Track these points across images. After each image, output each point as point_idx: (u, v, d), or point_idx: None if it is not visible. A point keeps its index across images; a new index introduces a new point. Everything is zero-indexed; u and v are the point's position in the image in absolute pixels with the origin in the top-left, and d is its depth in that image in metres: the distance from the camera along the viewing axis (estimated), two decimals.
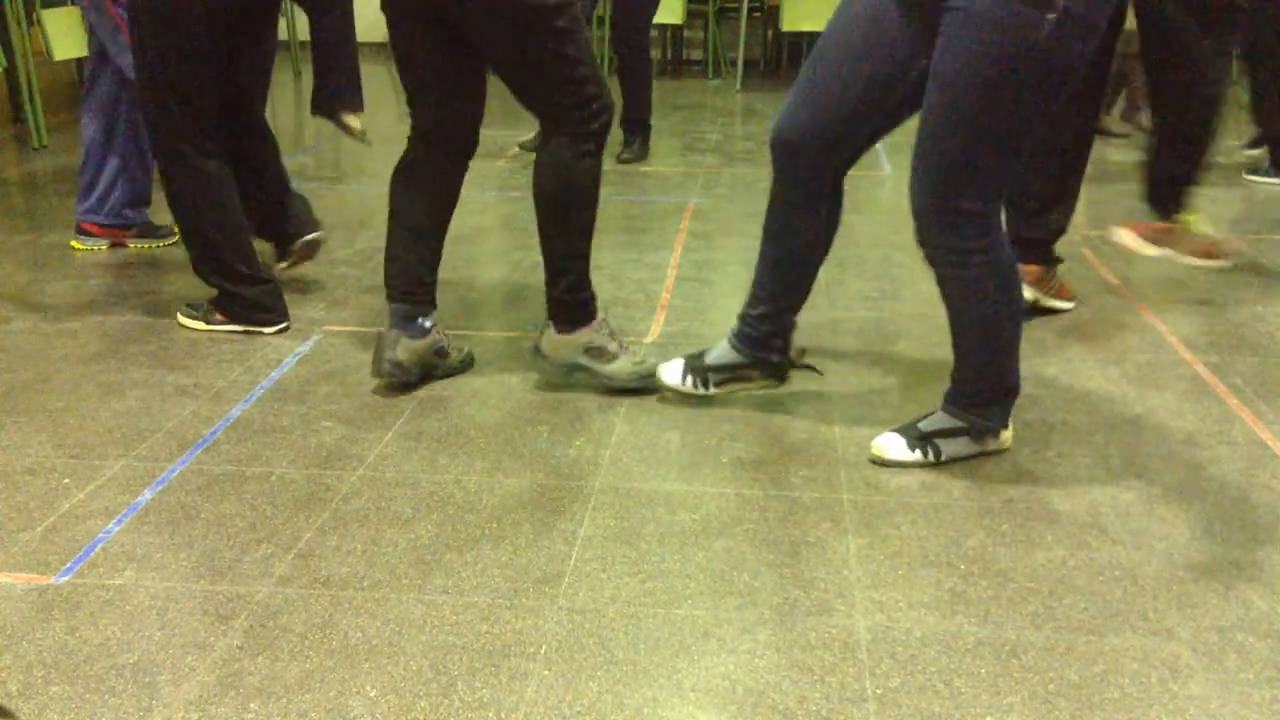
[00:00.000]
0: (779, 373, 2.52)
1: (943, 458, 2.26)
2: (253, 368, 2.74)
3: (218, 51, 2.76)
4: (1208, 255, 3.23)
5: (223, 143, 2.90)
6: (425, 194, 2.56)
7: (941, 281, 2.17)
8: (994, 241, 2.10)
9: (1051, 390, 2.64)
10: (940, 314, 2.24)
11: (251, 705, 1.59)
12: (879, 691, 1.62)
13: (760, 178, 4.71)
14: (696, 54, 8.36)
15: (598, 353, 2.58)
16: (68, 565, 1.92)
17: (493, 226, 3.94)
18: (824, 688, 1.63)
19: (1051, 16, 1.88)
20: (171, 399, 2.56)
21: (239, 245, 2.88)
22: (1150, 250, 3.19)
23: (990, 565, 1.94)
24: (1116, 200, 4.26)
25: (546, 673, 1.66)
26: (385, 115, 5.95)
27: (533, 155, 2.55)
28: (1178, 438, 2.41)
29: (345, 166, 4.85)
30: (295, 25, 7.31)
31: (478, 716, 1.57)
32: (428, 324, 2.59)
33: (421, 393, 2.60)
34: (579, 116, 2.41)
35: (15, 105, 5.66)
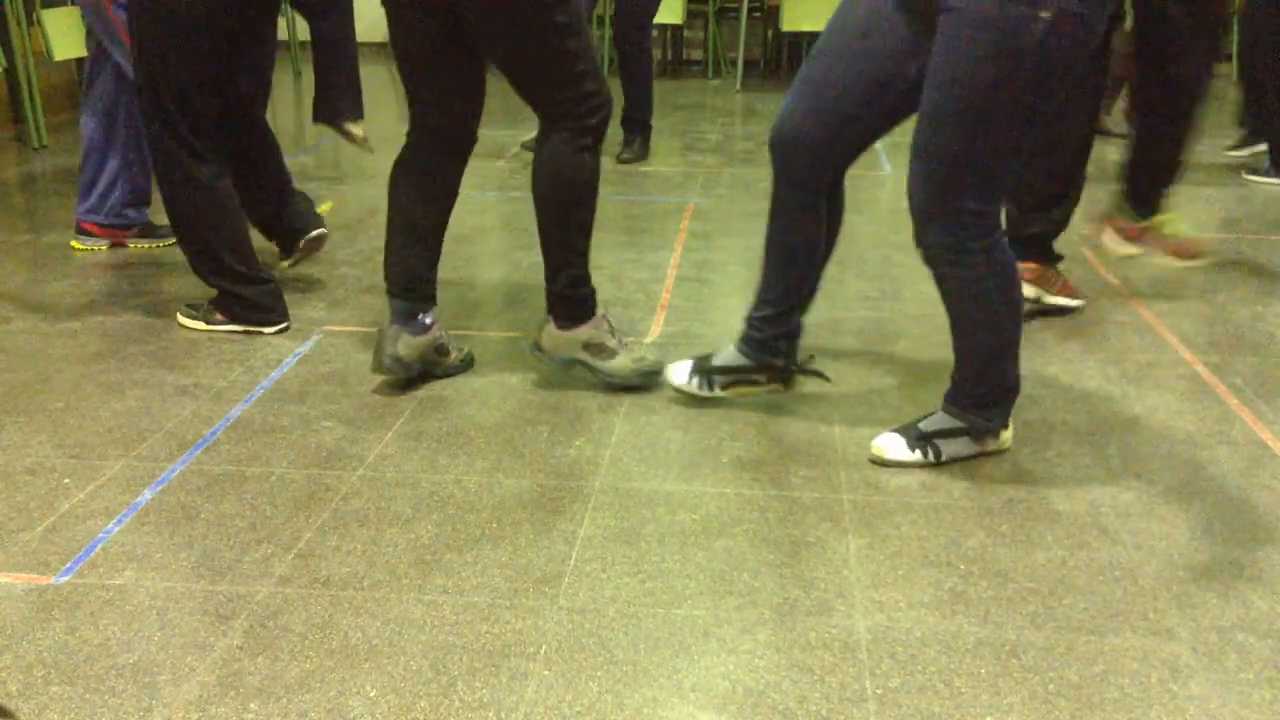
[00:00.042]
0: (785, 377, 2.52)
1: (943, 458, 2.26)
2: (253, 368, 2.74)
3: (218, 52, 2.76)
4: (1184, 255, 3.24)
5: (223, 143, 2.91)
6: (424, 190, 2.56)
7: (941, 281, 2.17)
8: (994, 242, 2.10)
9: (1051, 390, 2.64)
10: (940, 314, 2.24)
11: (251, 705, 1.59)
12: (879, 691, 1.62)
13: (760, 178, 4.71)
14: (696, 54, 8.36)
15: (597, 349, 2.58)
16: (68, 565, 1.92)
17: (493, 226, 3.94)
18: (824, 688, 1.63)
19: (1046, 16, 1.88)
20: (171, 399, 2.56)
21: (238, 246, 2.88)
22: (1128, 249, 3.20)
23: (990, 565, 1.94)
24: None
25: (546, 673, 1.66)
26: (385, 115, 5.95)
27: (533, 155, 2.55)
28: (1178, 438, 2.41)
29: (345, 166, 4.85)
30: (295, 25, 7.31)
31: (478, 716, 1.57)
32: (428, 320, 2.59)
33: (421, 393, 2.60)
34: (578, 111, 2.42)
35: (15, 105, 5.66)
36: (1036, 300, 3.03)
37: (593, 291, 2.57)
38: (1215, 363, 2.79)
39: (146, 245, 3.68)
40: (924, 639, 1.74)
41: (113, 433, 2.40)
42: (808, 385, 2.58)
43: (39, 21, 5.02)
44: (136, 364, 2.76)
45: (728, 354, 2.50)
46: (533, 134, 2.54)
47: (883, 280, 3.41)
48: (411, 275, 2.57)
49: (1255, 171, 4.71)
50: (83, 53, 3.53)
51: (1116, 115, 5.49)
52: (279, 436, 2.39)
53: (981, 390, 2.25)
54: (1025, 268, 2.93)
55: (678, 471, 2.25)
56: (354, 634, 1.74)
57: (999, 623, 1.78)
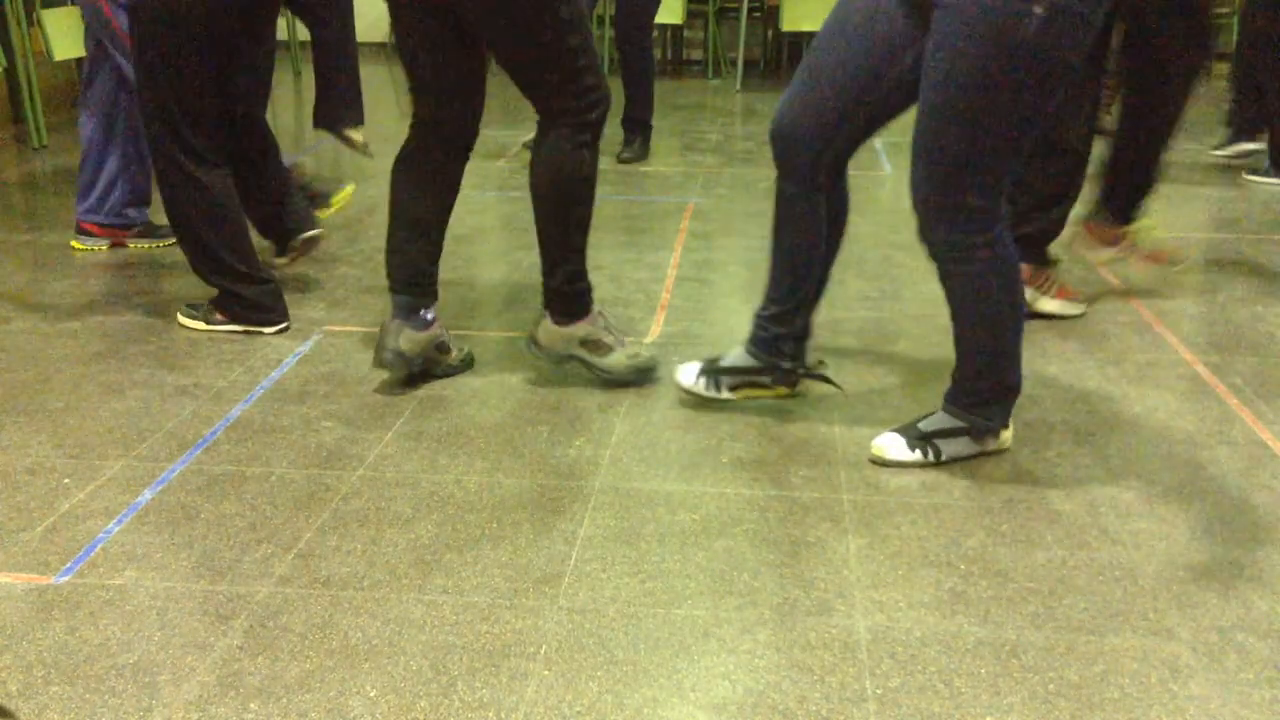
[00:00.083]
0: (791, 380, 2.51)
1: (943, 458, 2.26)
2: (253, 368, 2.74)
3: (217, 52, 2.77)
4: (1159, 260, 3.25)
5: (223, 143, 2.91)
6: (426, 187, 2.56)
7: (944, 278, 2.17)
8: (996, 237, 2.10)
9: (1051, 390, 2.64)
10: (941, 314, 2.24)
11: (251, 705, 1.59)
12: (879, 691, 1.62)
13: (760, 178, 4.71)
14: (696, 54, 8.36)
15: (594, 346, 2.59)
16: (68, 565, 1.92)
17: (493, 226, 3.94)
18: (824, 688, 1.63)
19: (1039, 11, 1.87)
20: (171, 399, 2.56)
21: (238, 245, 2.88)
22: (1104, 254, 3.20)
23: (990, 565, 1.94)
24: None
25: (546, 673, 1.66)
26: (385, 115, 5.95)
27: None
28: (1178, 438, 2.41)
29: (345, 167, 4.85)
30: (295, 25, 7.31)
31: (478, 716, 1.57)
32: (430, 316, 2.59)
33: (421, 393, 2.60)
34: (578, 107, 2.43)
35: (15, 105, 5.66)
36: (1030, 304, 3.03)
37: (589, 287, 2.58)
38: (1215, 363, 2.79)
39: (147, 245, 3.68)
40: (924, 639, 1.74)
41: (113, 433, 2.40)
42: (809, 385, 2.58)
43: (39, 21, 5.02)
44: (136, 364, 2.76)
45: (736, 355, 2.50)
46: (533, 134, 2.54)
47: (883, 280, 3.41)
48: (414, 270, 2.57)
49: (1255, 171, 4.71)
50: (82, 53, 3.53)
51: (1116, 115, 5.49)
52: (279, 436, 2.39)
53: (982, 388, 2.25)
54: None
55: (678, 471, 2.25)
56: (354, 634, 1.74)
57: (999, 623, 1.78)
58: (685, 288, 3.34)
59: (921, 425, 2.28)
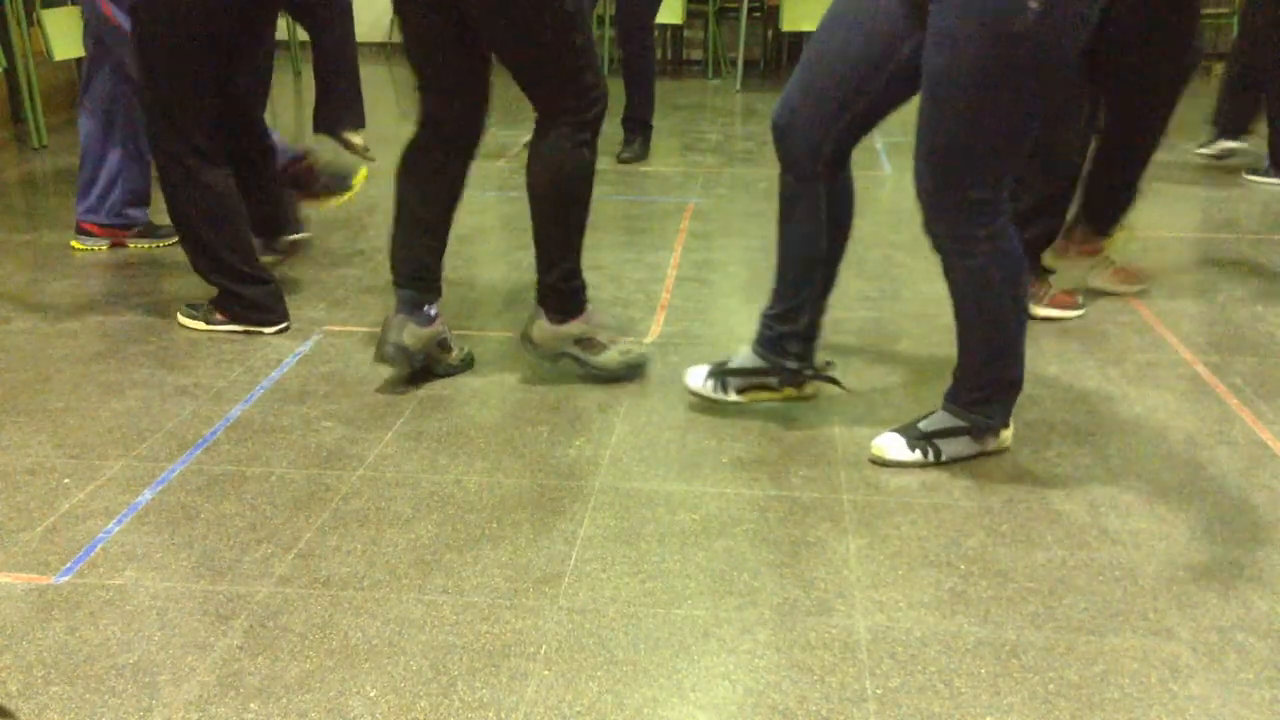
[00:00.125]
0: (798, 381, 2.48)
1: (943, 458, 2.26)
2: (253, 368, 2.74)
3: (218, 52, 2.77)
4: (1127, 280, 3.25)
5: (223, 142, 2.90)
6: (429, 185, 2.57)
7: (947, 270, 2.17)
8: (999, 230, 2.10)
9: (1051, 390, 2.64)
10: (941, 313, 2.25)
11: (251, 705, 1.59)
12: (879, 691, 1.62)
13: (760, 178, 4.71)
14: (696, 54, 8.36)
15: (587, 344, 2.60)
16: (68, 565, 1.92)
17: (493, 226, 3.94)
18: (824, 688, 1.63)
19: (1035, 5, 1.87)
20: (171, 399, 2.56)
21: (239, 245, 2.88)
22: (1081, 264, 3.20)
23: (990, 565, 1.94)
24: None
25: (546, 673, 1.66)
26: (385, 115, 5.95)
27: None
28: (1178, 438, 2.41)
29: (345, 167, 4.84)
30: (295, 26, 7.31)
31: (478, 716, 1.57)
32: (433, 312, 2.60)
33: (421, 393, 2.60)
34: (578, 105, 2.43)
35: (15, 105, 5.66)
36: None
37: (584, 285, 2.59)
38: (1215, 363, 2.79)
39: (147, 245, 3.68)
40: (924, 639, 1.74)
41: (113, 433, 2.40)
42: (820, 389, 2.56)
43: (39, 21, 5.02)
44: (136, 364, 2.76)
45: (743, 356, 2.48)
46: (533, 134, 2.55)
47: (883, 280, 3.41)
48: (418, 265, 2.57)
49: (1255, 171, 4.71)
50: (83, 53, 3.53)
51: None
52: (279, 436, 2.39)
53: (984, 385, 2.24)
54: None
55: (678, 471, 2.25)
56: (354, 634, 1.74)
57: (999, 623, 1.78)
58: (685, 288, 3.34)
59: (922, 425, 2.28)
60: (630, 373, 2.64)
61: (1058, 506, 2.13)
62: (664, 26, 7.81)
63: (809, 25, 7.06)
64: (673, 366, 2.76)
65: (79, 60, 5.04)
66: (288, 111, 6.31)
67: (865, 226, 3.96)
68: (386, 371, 2.69)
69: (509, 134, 5.35)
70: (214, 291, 2.95)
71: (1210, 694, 1.62)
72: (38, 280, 3.37)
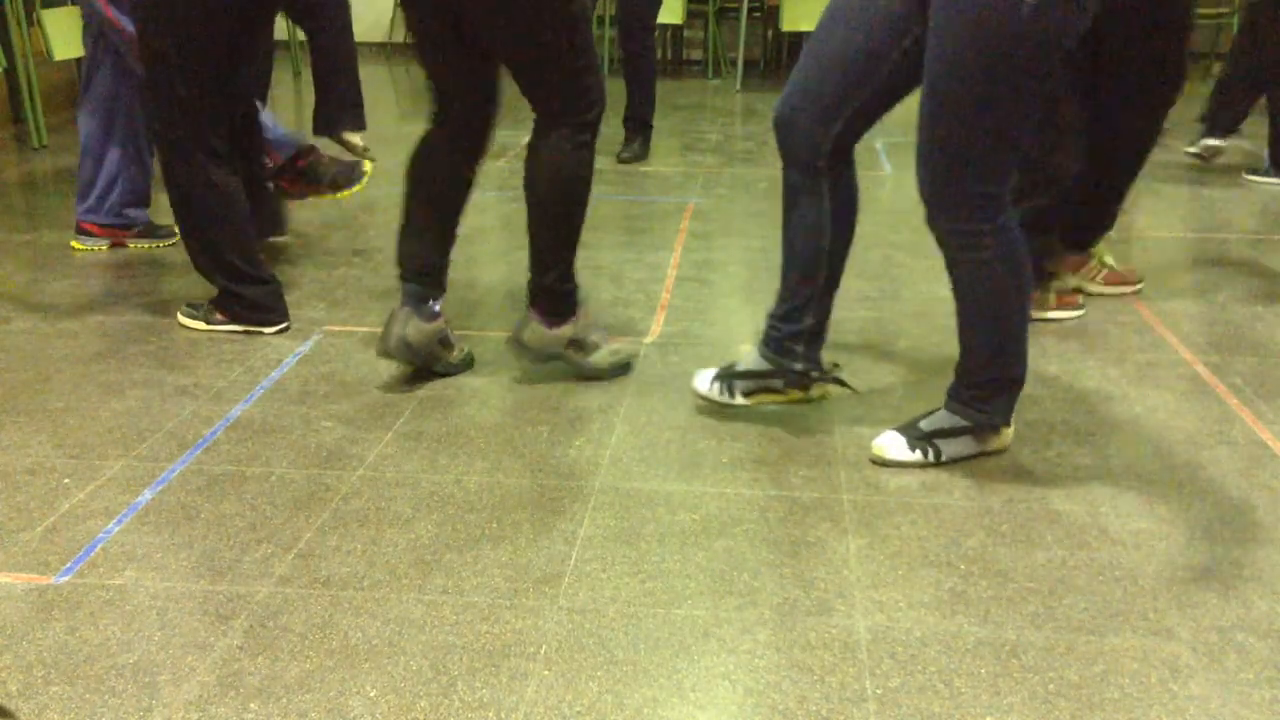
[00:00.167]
0: (804, 383, 2.46)
1: (943, 458, 2.26)
2: (253, 368, 2.74)
3: (216, 53, 2.76)
4: (1120, 283, 3.25)
5: (225, 141, 2.90)
6: (439, 183, 2.57)
7: (951, 265, 2.16)
8: (1003, 223, 2.09)
9: (1051, 390, 2.64)
10: (941, 313, 2.24)
11: (251, 705, 1.59)
12: (879, 691, 1.62)
13: (760, 178, 4.71)
14: (696, 54, 8.36)
15: (579, 345, 2.61)
16: (68, 565, 1.92)
17: (493, 226, 3.94)
18: (824, 688, 1.63)
19: (1031, 0, 1.88)
20: (171, 399, 2.56)
21: (241, 244, 2.88)
22: (1069, 280, 3.20)
23: (990, 565, 1.94)
24: None
25: (546, 673, 1.66)
26: (385, 115, 5.95)
27: None
28: (1178, 438, 2.41)
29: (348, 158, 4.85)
30: (296, 26, 7.30)
31: (478, 716, 1.57)
32: (437, 308, 2.60)
33: (421, 393, 2.60)
34: (577, 107, 2.43)
35: (15, 105, 5.66)
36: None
37: (577, 286, 2.59)
38: (1215, 363, 2.79)
39: (147, 245, 3.68)
40: (924, 639, 1.74)
41: (113, 433, 2.40)
42: (826, 391, 2.55)
43: (39, 21, 5.02)
44: (136, 364, 2.76)
45: (749, 358, 2.47)
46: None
47: (883, 280, 3.41)
48: (424, 260, 2.58)
49: (1255, 171, 4.71)
50: (82, 52, 3.53)
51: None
52: (279, 436, 2.39)
53: (987, 381, 2.24)
54: None
55: (678, 471, 2.25)
56: (354, 634, 1.74)
57: (999, 623, 1.78)
58: (685, 288, 3.34)
59: (923, 424, 2.28)
60: (619, 371, 2.66)
61: (1058, 506, 2.13)
62: (664, 26, 7.81)
63: (809, 25, 7.06)
64: (673, 366, 2.76)
65: (79, 60, 5.04)
66: (288, 111, 6.31)
67: (865, 226, 3.96)
68: (386, 372, 2.70)
69: (509, 134, 5.35)
70: (214, 291, 2.95)
71: (1210, 694, 1.62)
72: (38, 280, 3.37)
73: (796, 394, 2.48)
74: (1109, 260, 3.25)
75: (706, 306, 3.19)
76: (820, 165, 2.26)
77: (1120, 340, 2.94)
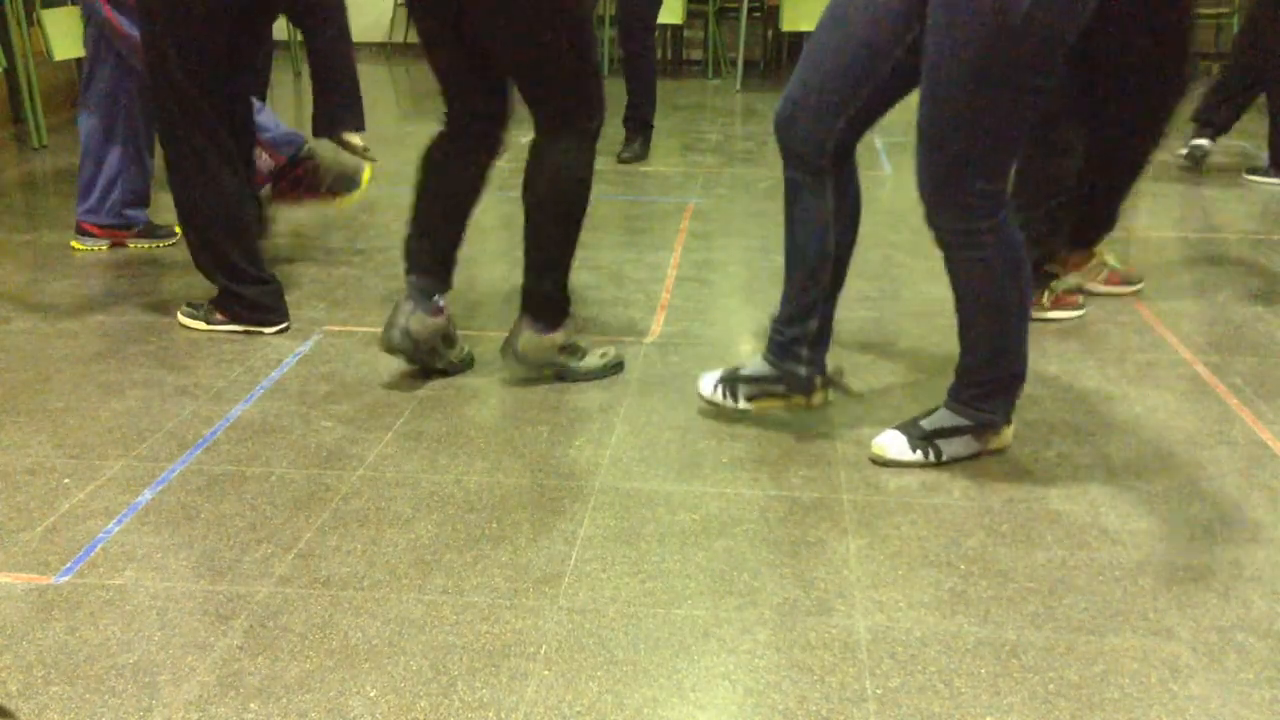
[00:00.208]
0: (808, 388, 2.40)
1: (944, 458, 2.26)
2: (253, 368, 2.74)
3: (218, 51, 2.76)
4: (1121, 283, 3.25)
5: (230, 139, 2.90)
6: (450, 181, 2.58)
7: (950, 264, 2.16)
8: (1001, 222, 2.09)
9: (1051, 390, 2.64)
10: (941, 313, 2.24)
11: (251, 705, 1.59)
12: (879, 691, 1.62)
13: (760, 178, 4.71)
14: (696, 54, 8.36)
15: (571, 350, 2.61)
16: (68, 565, 1.92)
17: (493, 226, 3.94)
18: (824, 688, 1.63)
19: None
20: (171, 399, 2.56)
21: (244, 244, 2.88)
22: (1071, 279, 3.20)
23: (990, 565, 1.94)
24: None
25: (546, 673, 1.66)
26: (385, 115, 5.95)
27: None
28: (1178, 438, 2.41)
29: (345, 167, 4.84)
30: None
31: (478, 716, 1.57)
32: (441, 303, 2.60)
33: (421, 393, 2.60)
34: (579, 113, 2.43)
35: (15, 105, 5.66)
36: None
37: (569, 293, 2.59)
38: (1215, 363, 2.79)
39: (147, 245, 3.68)
40: (924, 639, 1.74)
41: (113, 433, 2.40)
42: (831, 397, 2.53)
43: (39, 21, 5.02)
44: (136, 364, 2.76)
45: (754, 363, 2.44)
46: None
47: (883, 280, 3.41)
48: (432, 255, 2.58)
49: (1255, 171, 4.71)
50: (83, 52, 3.53)
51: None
52: (279, 436, 2.39)
53: (988, 379, 2.23)
54: None
55: (678, 471, 2.25)
56: (354, 634, 1.74)
57: (999, 623, 1.78)
58: (685, 288, 3.34)
59: (924, 423, 2.28)
60: (610, 373, 2.67)
61: (1058, 506, 2.13)
62: (664, 26, 7.81)
63: (809, 25, 7.06)
64: (673, 366, 2.76)
65: (79, 60, 5.04)
66: (288, 112, 6.31)
67: (865, 226, 3.94)
68: (387, 372, 2.70)
69: (510, 133, 5.35)
70: (214, 291, 2.95)
71: (1210, 694, 1.62)
72: (38, 280, 3.37)
73: (799, 400, 2.43)
74: (1110, 260, 3.25)
75: (706, 306, 3.19)
76: (823, 164, 2.24)
77: (1120, 340, 2.94)
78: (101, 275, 3.43)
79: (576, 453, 2.33)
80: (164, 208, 3.39)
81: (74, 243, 3.67)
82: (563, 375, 2.63)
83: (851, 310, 3.13)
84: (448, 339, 2.63)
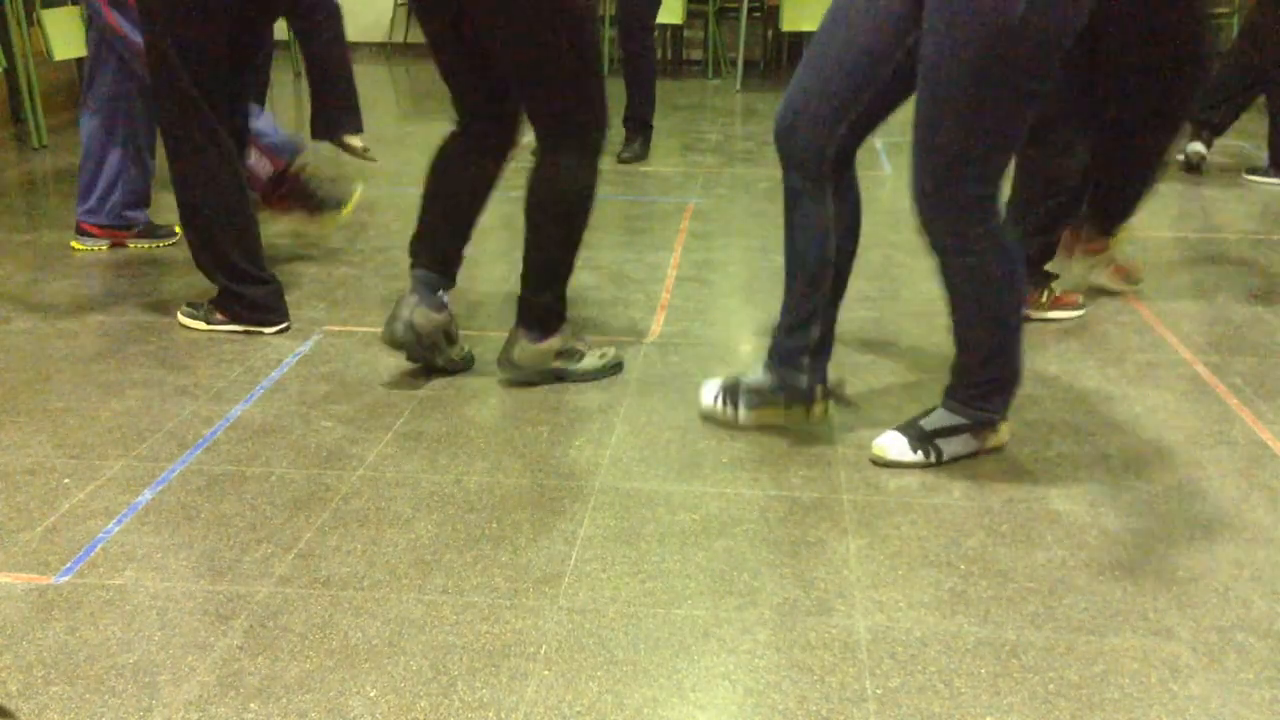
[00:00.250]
0: (808, 400, 2.38)
1: (944, 458, 2.26)
2: (253, 368, 2.74)
3: (218, 51, 2.76)
4: (1127, 275, 3.25)
5: (232, 139, 2.90)
6: (459, 181, 2.58)
7: (945, 270, 2.16)
8: (994, 225, 2.09)
9: (1051, 390, 2.64)
10: (940, 312, 2.24)
11: (251, 705, 1.59)
12: (879, 691, 1.62)
13: (760, 178, 4.71)
14: (696, 54, 8.37)
15: (568, 354, 2.61)
16: (68, 565, 1.92)
17: (493, 226, 3.94)
18: (824, 688, 1.63)
19: None
20: (171, 399, 2.56)
21: (245, 243, 2.88)
22: (1083, 261, 3.19)
23: (990, 565, 1.94)
24: None
25: (546, 673, 1.66)
26: (385, 116, 5.95)
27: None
28: (1178, 438, 2.41)
29: (345, 166, 4.85)
30: None
31: (478, 716, 1.57)
32: (445, 299, 2.60)
33: (421, 393, 2.60)
34: (581, 122, 2.43)
35: (15, 105, 5.66)
36: (1024, 319, 3.02)
37: (566, 301, 2.59)
38: (1215, 363, 2.79)
39: (147, 245, 3.68)
40: (924, 639, 1.74)
41: (113, 433, 2.40)
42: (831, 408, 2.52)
43: (39, 21, 5.02)
44: (136, 364, 2.76)
45: (755, 374, 2.42)
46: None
47: (883, 280, 3.41)
48: (439, 249, 2.59)
49: (1255, 171, 4.71)
50: (82, 52, 3.54)
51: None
52: (279, 436, 2.39)
53: (986, 379, 2.23)
54: None
55: (678, 471, 2.25)
56: (354, 634, 1.74)
57: (999, 623, 1.78)
58: (685, 288, 3.34)
59: (923, 423, 2.28)
60: (609, 373, 2.67)
61: (1058, 506, 2.13)
62: (664, 26, 7.81)
63: (809, 25, 7.07)
64: (673, 366, 2.76)
65: (79, 60, 5.05)
66: (288, 112, 6.31)
67: (865, 226, 3.93)
68: (387, 372, 2.70)
69: (519, 138, 5.35)
70: (214, 291, 2.95)
71: (1210, 694, 1.62)
72: (38, 280, 3.37)
73: (800, 410, 2.39)
74: (1121, 253, 3.24)
75: (706, 306, 3.19)
76: (824, 171, 2.23)
77: (1120, 340, 2.94)
78: (101, 275, 3.43)
79: (576, 453, 2.33)
80: (164, 208, 3.39)
81: (74, 243, 3.67)
82: (562, 376, 2.63)
83: (851, 310, 3.13)
84: (449, 336, 2.63)
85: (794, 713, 1.58)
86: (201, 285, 3.01)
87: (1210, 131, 4.77)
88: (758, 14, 8.04)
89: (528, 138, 2.53)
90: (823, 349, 2.37)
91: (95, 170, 3.57)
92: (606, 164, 4.79)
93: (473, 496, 2.15)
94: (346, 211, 3.64)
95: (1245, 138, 5.36)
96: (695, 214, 4.15)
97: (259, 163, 3.43)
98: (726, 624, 1.77)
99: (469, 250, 2.65)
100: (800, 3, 7.06)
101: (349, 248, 3.71)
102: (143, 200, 3.66)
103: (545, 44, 2.34)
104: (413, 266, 2.60)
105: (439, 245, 2.58)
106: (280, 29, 3.32)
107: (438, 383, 2.65)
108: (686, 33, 8.33)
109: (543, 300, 2.55)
